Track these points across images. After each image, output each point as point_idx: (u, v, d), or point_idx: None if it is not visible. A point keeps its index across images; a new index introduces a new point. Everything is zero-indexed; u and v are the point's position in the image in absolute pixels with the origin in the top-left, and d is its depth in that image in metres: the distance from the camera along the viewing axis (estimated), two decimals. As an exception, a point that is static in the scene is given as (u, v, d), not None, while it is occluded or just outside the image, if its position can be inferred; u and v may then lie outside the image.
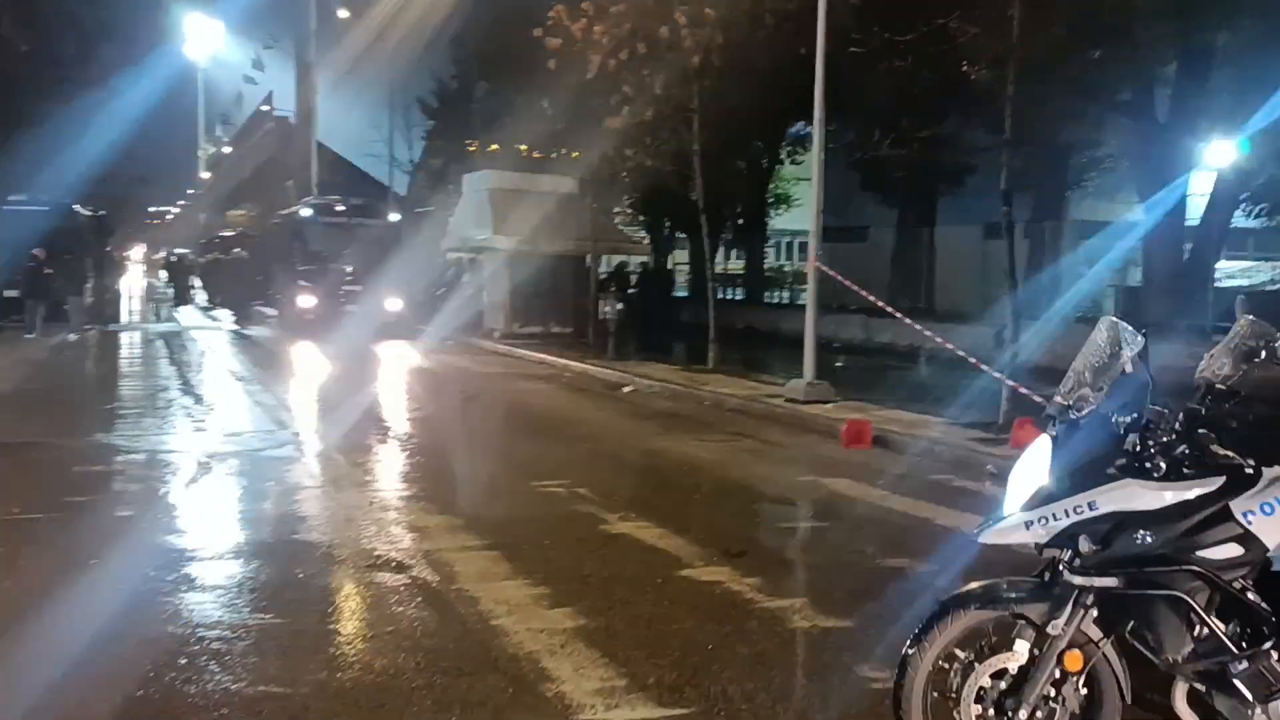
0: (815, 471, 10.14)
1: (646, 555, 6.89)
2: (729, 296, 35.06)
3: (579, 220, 25.69)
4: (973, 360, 12.49)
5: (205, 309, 38.34)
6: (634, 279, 25.89)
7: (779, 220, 38.72)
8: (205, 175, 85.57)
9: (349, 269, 27.07)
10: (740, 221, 34.56)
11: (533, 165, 28.38)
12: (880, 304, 15.31)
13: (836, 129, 28.40)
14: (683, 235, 36.06)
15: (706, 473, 10.11)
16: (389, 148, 39.93)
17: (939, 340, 13.88)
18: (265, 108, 56.03)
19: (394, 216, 29.07)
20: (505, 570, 6.43)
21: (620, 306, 20.86)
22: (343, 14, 38.63)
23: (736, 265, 40.08)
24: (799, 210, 38.11)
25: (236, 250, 45.24)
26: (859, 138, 26.24)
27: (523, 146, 31.88)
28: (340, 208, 29.09)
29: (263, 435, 11.37)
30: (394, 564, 6.50)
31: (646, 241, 32.77)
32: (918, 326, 14.95)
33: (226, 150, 74.68)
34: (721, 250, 36.83)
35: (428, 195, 44.71)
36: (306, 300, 26.61)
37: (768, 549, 7.18)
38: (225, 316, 34.17)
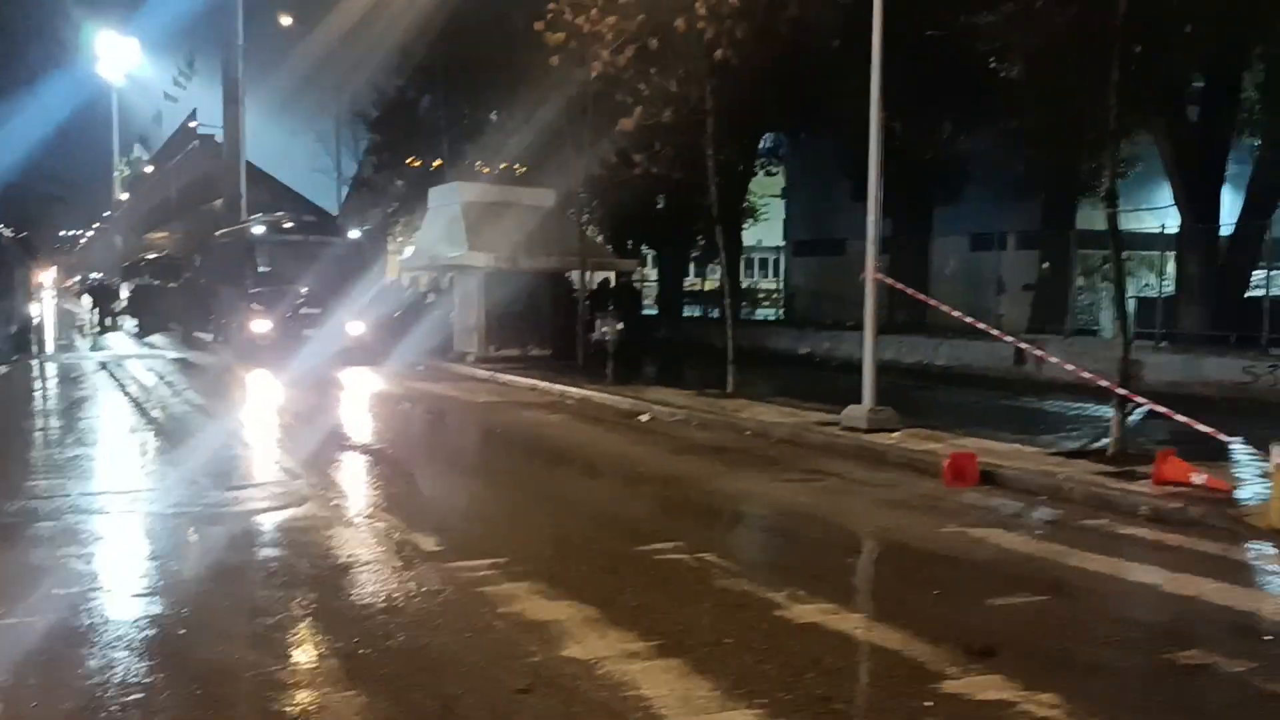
0: (949, 519, 8.58)
1: (875, 660, 5.26)
2: (705, 315, 33.69)
3: (560, 235, 23.99)
4: (1105, 384, 10.99)
5: (137, 335, 35.73)
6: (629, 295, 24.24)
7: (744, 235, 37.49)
8: (123, 196, 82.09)
9: (304, 290, 25.02)
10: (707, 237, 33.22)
11: (500, 179, 26.72)
12: (977, 322, 13.59)
13: (824, 137, 27.26)
14: (648, 251, 34.60)
15: (823, 524, 8.50)
16: (336, 162, 37.81)
17: (1070, 367, 12.12)
18: (193, 124, 53.27)
19: (354, 233, 26.99)
20: (709, 691, 4.73)
21: (620, 326, 19.17)
22: (285, 21, 36.40)
23: (694, 281, 38.79)
24: (764, 225, 36.88)
25: (169, 273, 42.76)
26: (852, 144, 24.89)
27: (481, 163, 30.31)
28: (292, 224, 27.01)
29: (275, 490, 9.47)
30: (565, 690, 4.76)
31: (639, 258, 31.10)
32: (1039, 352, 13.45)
33: (148, 170, 71.37)
34: (691, 266, 35.48)
35: (363, 211, 42.71)
36: (260, 324, 24.47)
37: (1015, 642, 5.53)
38: (161, 342, 31.81)
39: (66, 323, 43.38)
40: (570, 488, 10.35)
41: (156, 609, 6.00)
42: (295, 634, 5.63)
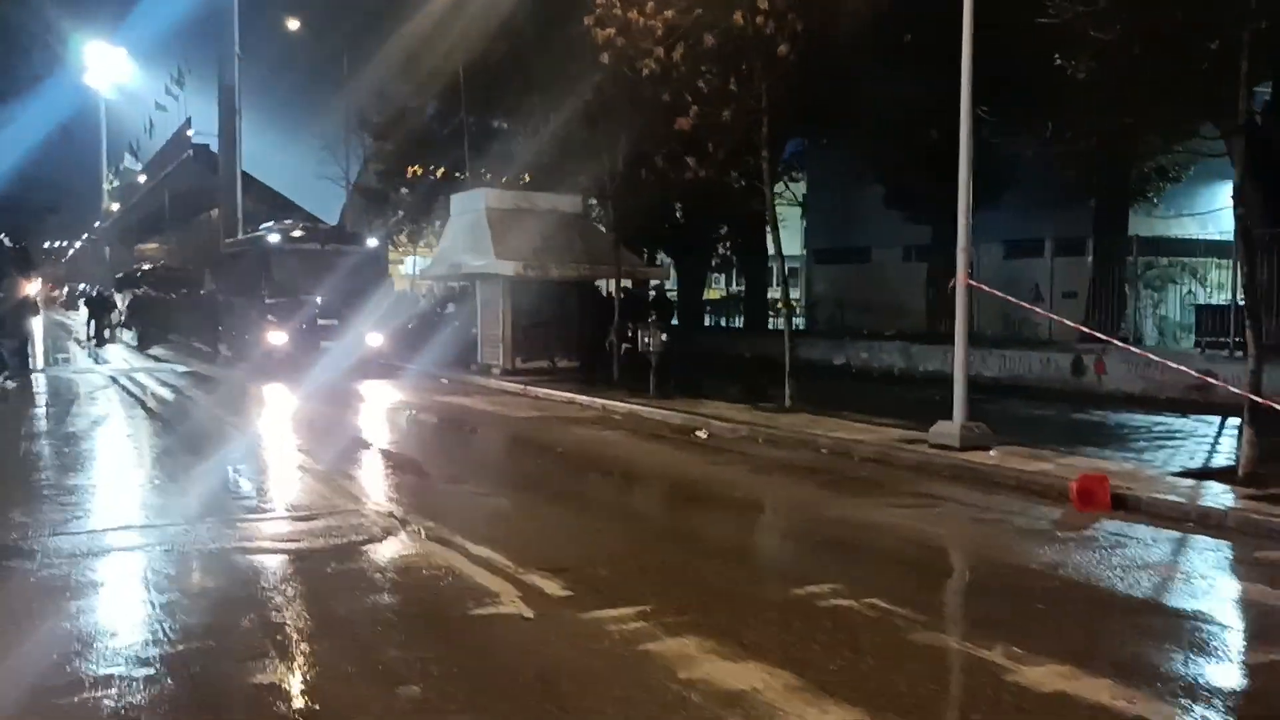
0: (1114, 552, 7.70)
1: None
2: (726, 324, 32.80)
3: (586, 243, 23.10)
4: (1260, 400, 10.10)
5: (136, 348, 34.62)
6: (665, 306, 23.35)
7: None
8: (113, 207, 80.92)
9: (320, 301, 24.07)
10: (727, 244, 32.36)
11: (511, 187, 25.78)
12: (1096, 332, 12.68)
13: (853, 141, 26.40)
14: (666, 260, 33.66)
15: (975, 558, 7.62)
16: (345, 169, 36.80)
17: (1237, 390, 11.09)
18: (189, 132, 52.16)
19: (372, 242, 26.01)
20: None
21: (665, 338, 18.27)
22: (292, 25, 35.46)
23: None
24: (784, 233, 35.98)
25: (169, 284, 41.76)
26: (879, 149, 24.09)
27: (488, 172, 29.38)
28: (306, 233, 26.04)
29: (353, 521, 8.50)
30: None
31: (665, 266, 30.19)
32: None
33: (140, 180, 70.14)
34: (709, 276, 34.57)
35: (363, 220, 41.71)
36: (276, 336, 23.50)
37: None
38: (165, 355, 30.77)
39: (59, 335, 42.29)
40: (673, 515, 9.45)
41: (271, 673, 5.06)
42: (452, 711, 4.70)
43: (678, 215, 29.97)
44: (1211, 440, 13.48)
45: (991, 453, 11.86)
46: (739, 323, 32.65)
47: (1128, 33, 12.43)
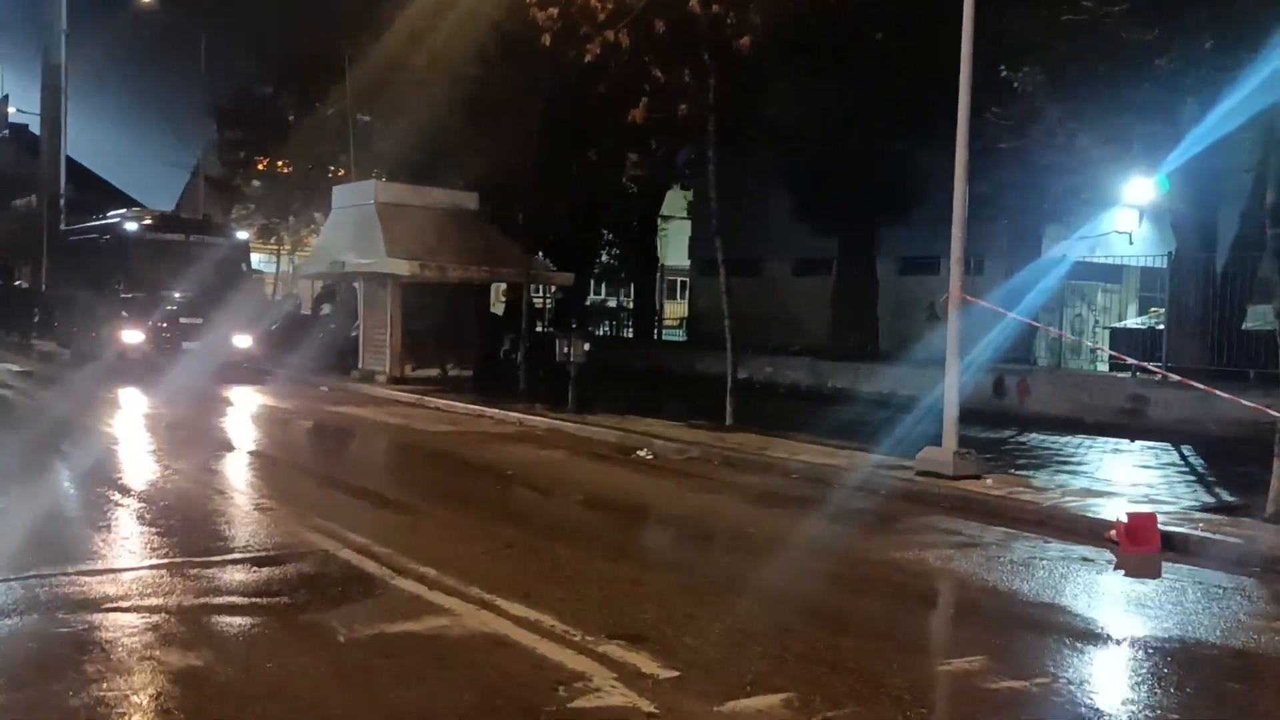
0: (1243, 608, 6.86)
1: None
2: (615, 334, 31.60)
3: (485, 243, 21.58)
4: None
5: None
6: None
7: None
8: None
9: (180, 296, 21.84)
10: (616, 251, 31.16)
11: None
12: (1124, 357, 11.90)
13: (756, 149, 25.60)
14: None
15: (1094, 621, 6.61)
16: (197, 158, 34.00)
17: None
18: (10, 109, 47.70)
19: (240, 234, 23.78)
20: None
21: (587, 347, 16.95)
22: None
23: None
24: (671, 244, 35.11)
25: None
26: (793, 156, 23.34)
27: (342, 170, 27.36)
28: (165, 222, 23.65)
29: (323, 566, 6.92)
30: None
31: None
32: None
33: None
34: (591, 284, 33.24)
35: (211, 214, 38.86)
36: (132, 335, 21.13)
37: None
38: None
39: None
40: (706, 560, 8.08)
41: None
42: None
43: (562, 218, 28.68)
44: (1188, 470, 13.00)
45: (985, 481, 11.05)
46: (626, 334, 31.49)
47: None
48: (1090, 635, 6.18)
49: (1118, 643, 6.08)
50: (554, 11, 14.19)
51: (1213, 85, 14.85)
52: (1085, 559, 8.18)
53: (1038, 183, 19.97)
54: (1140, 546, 8.56)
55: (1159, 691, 5.18)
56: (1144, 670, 5.58)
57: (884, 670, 5.23)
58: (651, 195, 28.05)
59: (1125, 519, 8.75)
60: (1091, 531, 9.08)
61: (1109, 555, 8.33)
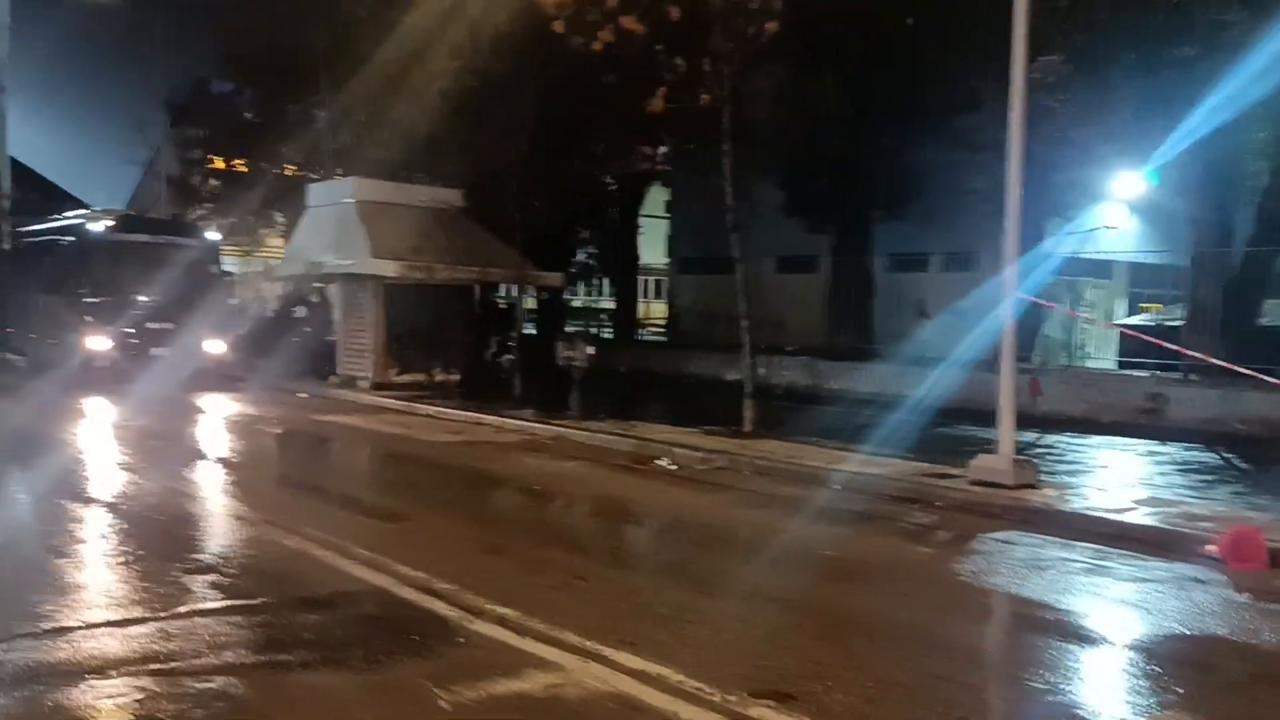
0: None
1: None
2: (598, 336, 30.73)
3: (470, 243, 20.70)
4: None
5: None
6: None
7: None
8: None
9: (148, 300, 20.71)
10: (594, 250, 30.35)
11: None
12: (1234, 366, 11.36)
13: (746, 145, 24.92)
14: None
15: (1245, 652, 5.99)
16: (153, 155, 32.68)
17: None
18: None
19: (213, 235, 22.68)
20: None
21: (591, 350, 16.17)
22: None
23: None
24: (647, 243, 34.27)
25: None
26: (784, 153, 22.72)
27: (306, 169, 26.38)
28: (132, 222, 22.48)
29: (390, 608, 6.12)
30: None
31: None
32: None
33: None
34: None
35: (167, 213, 37.47)
36: (98, 342, 19.97)
37: None
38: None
39: None
40: (806, 592, 7.17)
41: None
42: None
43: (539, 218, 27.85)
44: (1239, 474, 12.51)
45: (1047, 491, 10.45)
46: (604, 334, 30.70)
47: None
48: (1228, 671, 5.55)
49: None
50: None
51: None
52: (1195, 579, 7.56)
53: (1038, 178, 19.50)
54: (1247, 563, 7.97)
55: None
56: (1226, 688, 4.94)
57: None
58: (633, 192, 27.31)
59: (1228, 533, 8.18)
60: (1178, 546, 8.47)
61: (1217, 574, 7.72)
